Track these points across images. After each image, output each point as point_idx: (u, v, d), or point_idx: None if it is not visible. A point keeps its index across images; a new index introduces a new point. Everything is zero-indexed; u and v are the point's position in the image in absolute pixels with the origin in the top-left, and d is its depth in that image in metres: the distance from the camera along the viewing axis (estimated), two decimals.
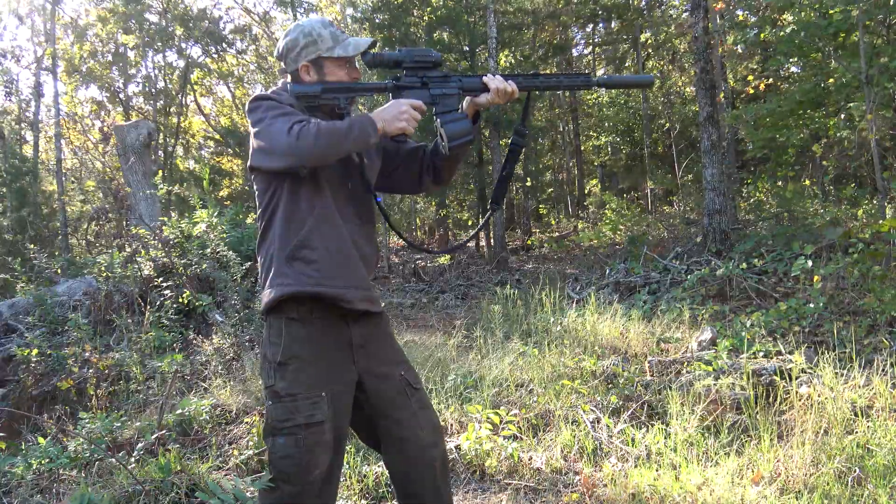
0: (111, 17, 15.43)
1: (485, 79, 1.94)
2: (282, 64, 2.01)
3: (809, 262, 5.08)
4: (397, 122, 1.82)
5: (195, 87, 18.15)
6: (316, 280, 1.84)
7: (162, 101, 16.88)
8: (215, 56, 17.12)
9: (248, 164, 1.91)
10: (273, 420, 1.83)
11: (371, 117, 1.81)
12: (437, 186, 2.13)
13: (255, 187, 1.97)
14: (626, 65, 18.00)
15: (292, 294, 1.84)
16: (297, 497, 1.82)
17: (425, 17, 13.33)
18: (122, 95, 16.37)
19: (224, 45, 16.60)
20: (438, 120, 1.91)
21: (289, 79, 1.99)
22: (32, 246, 6.65)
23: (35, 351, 4.77)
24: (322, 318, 1.88)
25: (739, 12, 9.02)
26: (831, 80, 6.86)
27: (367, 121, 1.80)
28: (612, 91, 18.00)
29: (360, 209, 1.97)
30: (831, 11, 6.11)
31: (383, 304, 2.26)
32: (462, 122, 1.92)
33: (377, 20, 14.21)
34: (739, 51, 11.09)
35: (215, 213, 6.44)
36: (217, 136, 18.12)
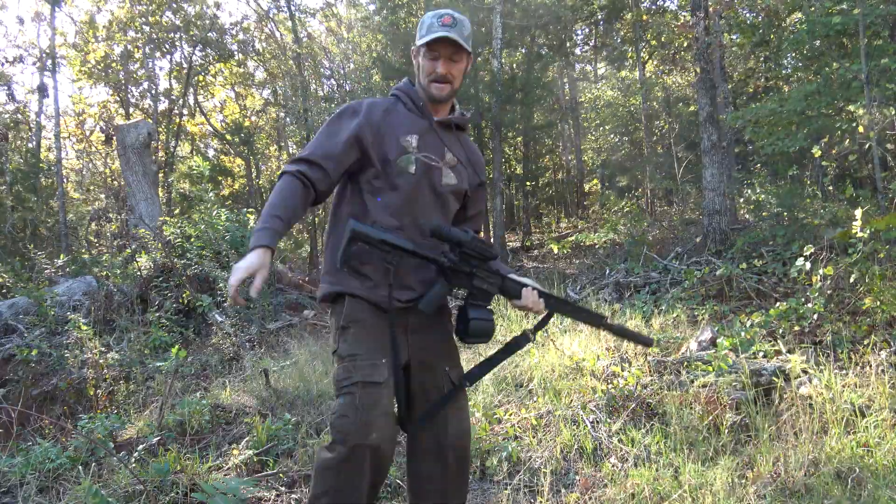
0: (125, 18, 15.40)
1: (524, 290, 2.01)
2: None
3: (808, 265, 5.07)
4: (235, 274, 1.82)
5: (199, 88, 18.11)
6: (363, 290, 1.94)
7: (167, 103, 16.84)
8: (216, 55, 17.07)
9: None
10: (335, 382, 1.90)
11: (253, 242, 1.86)
12: None
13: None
14: (626, 64, 17.99)
15: (339, 292, 1.98)
16: (350, 461, 1.80)
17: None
18: (123, 96, 16.33)
19: (227, 54, 16.54)
20: (469, 311, 1.98)
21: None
22: (32, 246, 6.65)
23: (35, 351, 4.77)
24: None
25: (744, 12, 8.97)
26: (833, 78, 6.84)
27: (256, 237, 1.87)
28: (611, 92, 18.04)
29: (430, 218, 2.00)
30: (835, 19, 6.08)
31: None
32: (487, 324, 1.99)
33: (379, 20, 14.20)
34: (739, 52, 11.09)
35: (215, 212, 6.44)
36: (227, 137, 17.97)
